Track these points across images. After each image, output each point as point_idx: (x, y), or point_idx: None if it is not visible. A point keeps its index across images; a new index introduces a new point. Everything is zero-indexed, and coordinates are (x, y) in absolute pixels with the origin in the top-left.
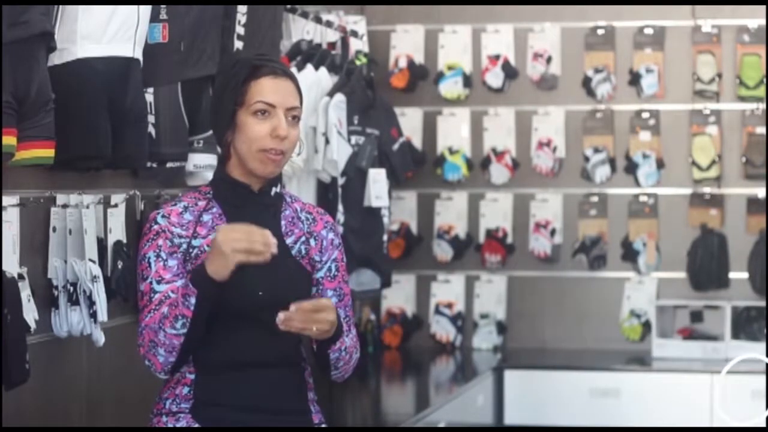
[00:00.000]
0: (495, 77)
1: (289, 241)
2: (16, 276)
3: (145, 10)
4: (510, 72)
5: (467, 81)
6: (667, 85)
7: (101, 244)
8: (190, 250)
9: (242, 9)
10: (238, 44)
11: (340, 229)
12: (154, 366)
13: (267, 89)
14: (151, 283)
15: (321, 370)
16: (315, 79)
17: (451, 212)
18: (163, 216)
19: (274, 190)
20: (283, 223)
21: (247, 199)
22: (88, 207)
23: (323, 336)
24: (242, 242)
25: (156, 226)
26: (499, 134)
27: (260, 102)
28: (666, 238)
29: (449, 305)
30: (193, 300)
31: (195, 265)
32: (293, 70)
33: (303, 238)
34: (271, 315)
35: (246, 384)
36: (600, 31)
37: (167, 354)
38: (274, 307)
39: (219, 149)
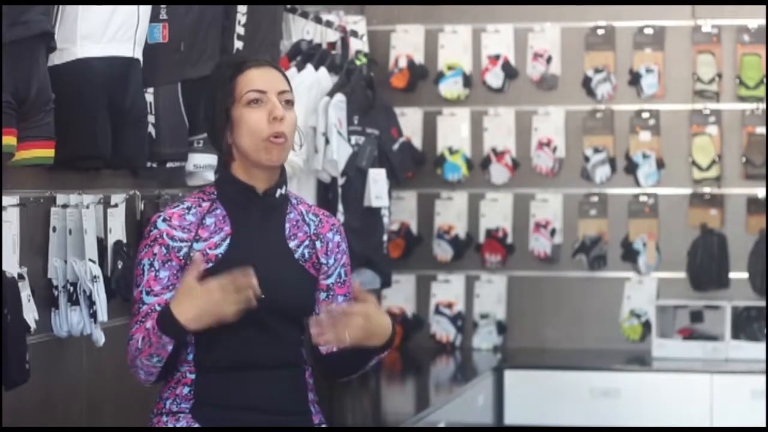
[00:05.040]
0: (495, 77)
1: (292, 244)
2: (16, 276)
3: (145, 10)
4: (510, 72)
5: (467, 81)
6: (667, 85)
7: (101, 244)
8: (192, 254)
9: (242, 9)
10: (238, 44)
11: None
12: (137, 378)
13: (255, 79)
14: (141, 292)
15: (329, 374)
16: (315, 79)
17: (451, 212)
18: (163, 219)
19: (279, 191)
20: (287, 226)
21: (252, 201)
22: (88, 207)
23: (377, 341)
24: (231, 297)
25: (155, 231)
26: (499, 134)
27: (251, 91)
28: (666, 238)
29: (449, 305)
30: (170, 348)
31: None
32: (293, 70)
33: (307, 242)
34: (272, 317)
35: (247, 385)
36: (600, 31)
37: (147, 375)
38: (276, 310)
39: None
